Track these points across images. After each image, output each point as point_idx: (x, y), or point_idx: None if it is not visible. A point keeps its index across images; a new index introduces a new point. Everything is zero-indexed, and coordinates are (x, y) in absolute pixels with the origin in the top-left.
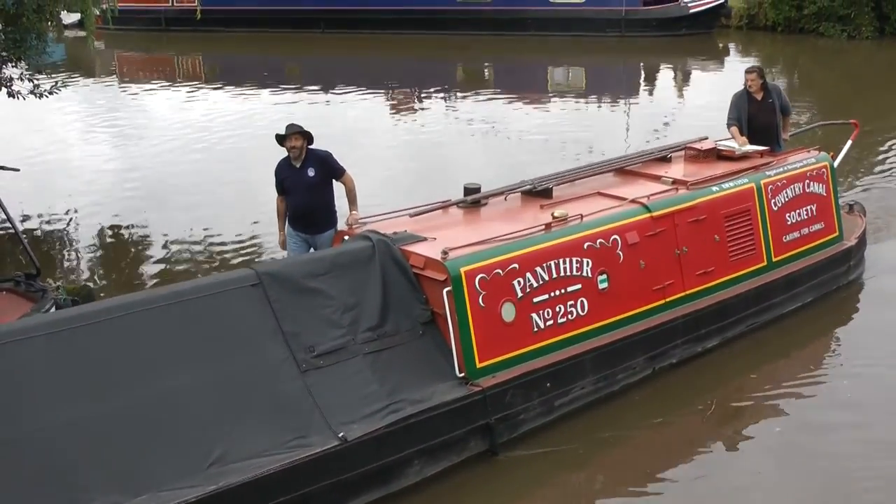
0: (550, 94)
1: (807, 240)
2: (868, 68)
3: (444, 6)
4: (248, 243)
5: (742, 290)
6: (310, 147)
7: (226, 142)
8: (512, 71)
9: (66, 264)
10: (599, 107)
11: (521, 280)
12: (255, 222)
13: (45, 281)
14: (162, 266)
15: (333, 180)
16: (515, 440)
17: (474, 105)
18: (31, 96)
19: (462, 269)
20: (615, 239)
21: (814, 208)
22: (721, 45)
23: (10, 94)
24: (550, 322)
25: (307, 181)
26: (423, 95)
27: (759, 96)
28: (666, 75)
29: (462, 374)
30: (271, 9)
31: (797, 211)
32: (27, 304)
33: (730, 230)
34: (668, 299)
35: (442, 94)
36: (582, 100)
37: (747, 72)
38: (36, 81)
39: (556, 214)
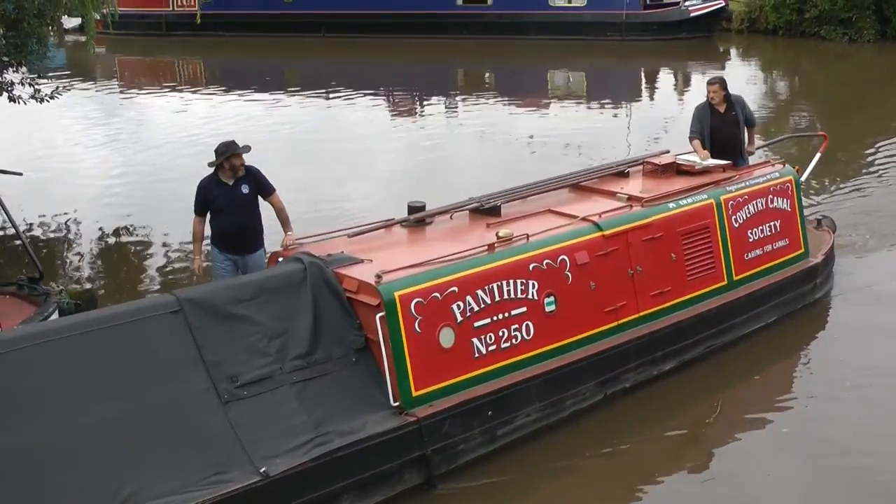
0: (551, 98)
1: (770, 257)
2: (870, 72)
3: (444, 10)
4: None
5: (700, 310)
6: (246, 165)
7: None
8: (512, 75)
9: (68, 268)
10: (601, 111)
11: (460, 304)
12: None
13: (48, 285)
14: (164, 268)
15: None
16: (455, 471)
17: (474, 109)
18: (32, 101)
19: (396, 294)
20: (563, 259)
21: (778, 224)
22: (722, 48)
23: (12, 99)
24: (493, 347)
25: (241, 198)
26: (423, 99)
27: (721, 108)
28: (666, 79)
29: (396, 404)
30: (271, 13)
31: (760, 227)
32: (30, 308)
33: (687, 248)
34: (620, 321)
35: (442, 99)
36: (582, 104)
37: (709, 83)
38: (37, 86)
39: (500, 234)
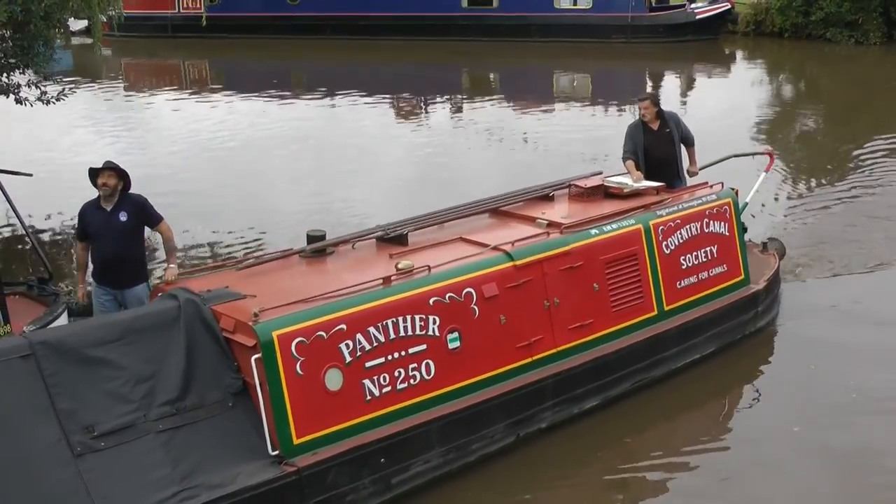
0: (556, 101)
1: (706, 285)
2: (876, 74)
3: (449, 12)
4: (254, 246)
5: (627, 343)
6: (127, 192)
7: (232, 146)
8: (517, 77)
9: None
10: (606, 113)
11: (350, 343)
12: (262, 232)
13: (57, 285)
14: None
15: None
16: None
17: (479, 111)
18: (39, 103)
19: (275, 333)
20: (469, 292)
21: (714, 250)
22: (727, 51)
23: (18, 101)
24: (387, 389)
25: (118, 226)
26: (428, 101)
27: (654, 126)
28: (672, 82)
29: (276, 452)
30: (277, 15)
31: (694, 253)
32: (40, 308)
33: (612, 277)
34: (535, 357)
35: (447, 101)
36: (587, 106)
37: (639, 100)
38: (43, 88)
39: (399, 266)
